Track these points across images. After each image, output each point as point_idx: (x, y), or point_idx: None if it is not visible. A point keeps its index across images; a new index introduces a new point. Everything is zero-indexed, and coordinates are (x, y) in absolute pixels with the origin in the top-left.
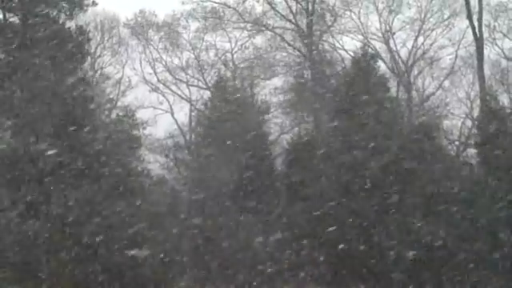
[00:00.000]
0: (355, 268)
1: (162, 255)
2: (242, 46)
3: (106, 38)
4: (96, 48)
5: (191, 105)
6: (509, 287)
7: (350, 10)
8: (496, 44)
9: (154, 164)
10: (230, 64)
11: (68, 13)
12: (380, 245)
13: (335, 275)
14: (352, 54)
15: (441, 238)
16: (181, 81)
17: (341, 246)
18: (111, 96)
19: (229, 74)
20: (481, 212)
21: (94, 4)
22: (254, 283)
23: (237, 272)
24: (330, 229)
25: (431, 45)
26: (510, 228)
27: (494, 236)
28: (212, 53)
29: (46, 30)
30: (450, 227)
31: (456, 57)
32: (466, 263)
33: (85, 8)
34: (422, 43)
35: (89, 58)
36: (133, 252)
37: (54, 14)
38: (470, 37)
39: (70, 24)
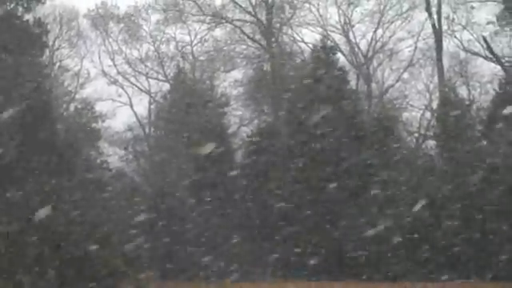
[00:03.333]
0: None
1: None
2: (201, 38)
3: (64, 31)
4: (54, 40)
5: (150, 97)
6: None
7: (309, 3)
8: (455, 36)
9: (114, 157)
10: (190, 56)
11: (26, 5)
12: (338, 237)
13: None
14: (311, 46)
15: (400, 228)
16: (140, 73)
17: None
18: (70, 88)
19: (188, 66)
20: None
21: None
22: (211, 275)
23: (195, 263)
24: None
25: (390, 37)
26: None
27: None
28: (172, 45)
29: (4, 22)
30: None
31: (415, 49)
32: (425, 253)
33: (43, 1)
34: (382, 35)
35: (47, 50)
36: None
37: (12, 6)
38: (428, 29)
39: (28, 16)
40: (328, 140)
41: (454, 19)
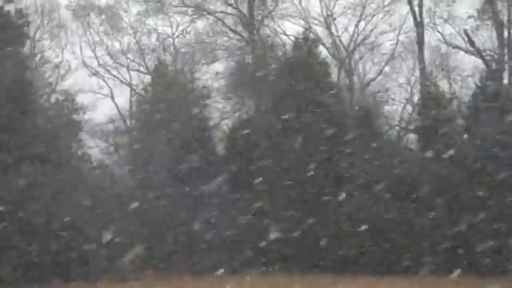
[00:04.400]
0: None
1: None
2: (183, 30)
3: (45, 22)
4: (35, 32)
5: (132, 89)
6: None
7: None
8: (437, 30)
9: (95, 149)
10: (171, 48)
11: None
12: (317, 230)
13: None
14: (293, 38)
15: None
16: (121, 65)
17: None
18: (50, 80)
19: (170, 58)
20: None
21: None
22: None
23: (175, 253)
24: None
25: (372, 30)
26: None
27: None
28: (153, 37)
29: None
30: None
31: (397, 42)
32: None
33: None
34: (363, 28)
35: (28, 41)
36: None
37: None
38: (410, 22)
39: (10, 7)
40: (309, 133)
41: (435, 12)
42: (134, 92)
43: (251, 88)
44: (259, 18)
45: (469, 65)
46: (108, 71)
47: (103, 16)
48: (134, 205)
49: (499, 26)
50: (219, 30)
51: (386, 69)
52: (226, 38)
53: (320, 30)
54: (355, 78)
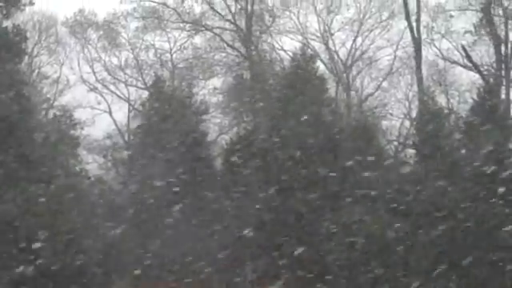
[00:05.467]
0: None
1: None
2: (181, 46)
3: (43, 38)
4: (33, 47)
5: (130, 105)
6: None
7: (289, 11)
8: (434, 45)
9: (92, 164)
10: (169, 64)
11: (4, 12)
12: (317, 246)
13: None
14: (291, 54)
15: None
16: (119, 80)
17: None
18: (48, 96)
19: (167, 74)
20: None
21: (31, 3)
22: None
23: (171, 271)
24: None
25: (370, 45)
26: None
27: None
28: (151, 53)
29: None
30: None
31: (394, 57)
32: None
33: (22, 7)
34: (361, 44)
35: (26, 57)
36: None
37: None
38: (408, 38)
39: (7, 23)
40: (306, 148)
41: (433, 28)
42: (131, 107)
43: (249, 103)
44: (257, 33)
45: (466, 80)
46: (106, 87)
47: (101, 32)
48: (134, 220)
49: (496, 40)
50: (217, 45)
51: (384, 84)
52: (223, 54)
53: (318, 46)
54: (353, 94)
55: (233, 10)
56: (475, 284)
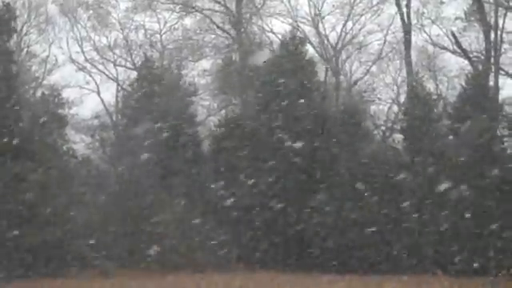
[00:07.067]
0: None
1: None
2: (170, 27)
3: (33, 16)
4: (23, 26)
5: (118, 85)
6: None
7: None
8: (424, 30)
9: (80, 144)
10: (159, 45)
11: None
12: (301, 229)
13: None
14: (281, 37)
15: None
16: (108, 60)
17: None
18: (37, 74)
19: (156, 54)
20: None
21: None
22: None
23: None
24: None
25: (360, 30)
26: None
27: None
28: (141, 33)
29: None
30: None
31: (384, 42)
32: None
33: None
34: (351, 28)
35: (15, 35)
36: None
37: None
38: (398, 23)
39: None
40: (295, 132)
41: (423, 13)
42: (120, 87)
43: (238, 86)
44: (247, 15)
45: (455, 66)
46: (95, 66)
47: (91, 11)
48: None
49: (486, 27)
50: (207, 27)
51: (373, 68)
52: (213, 36)
53: (308, 29)
54: (342, 78)
55: None
56: None
